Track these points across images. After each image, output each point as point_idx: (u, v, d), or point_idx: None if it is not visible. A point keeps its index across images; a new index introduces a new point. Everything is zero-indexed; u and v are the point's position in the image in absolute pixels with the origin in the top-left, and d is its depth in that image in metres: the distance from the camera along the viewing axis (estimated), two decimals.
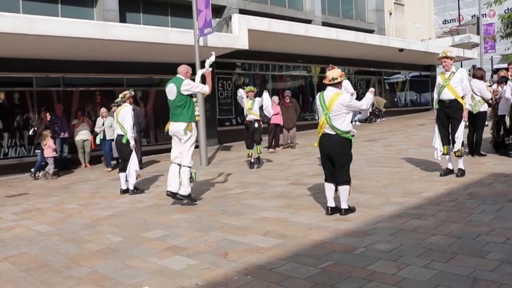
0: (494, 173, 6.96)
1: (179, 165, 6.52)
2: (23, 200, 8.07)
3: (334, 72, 5.33)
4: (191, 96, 6.43)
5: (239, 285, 3.50)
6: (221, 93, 16.66)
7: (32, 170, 10.97)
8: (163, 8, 16.02)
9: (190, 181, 6.54)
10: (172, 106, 6.50)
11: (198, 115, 6.52)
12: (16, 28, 9.57)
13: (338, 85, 5.31)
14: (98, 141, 11.92)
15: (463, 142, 6.93)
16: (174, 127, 6.47)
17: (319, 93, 5.44)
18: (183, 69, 6.58)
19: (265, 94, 10.42)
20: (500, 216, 4.72)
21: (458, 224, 4.58)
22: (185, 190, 6.49)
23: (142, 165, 11.02)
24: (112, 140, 10.69)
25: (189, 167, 6.50)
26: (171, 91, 6.46)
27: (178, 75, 6.56)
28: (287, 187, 7.28)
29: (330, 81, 5.25)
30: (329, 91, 5.27)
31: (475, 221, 4.64)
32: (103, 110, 11.88)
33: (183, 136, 6.41)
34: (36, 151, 11.24)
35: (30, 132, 11.80)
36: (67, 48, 11.43)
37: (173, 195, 6.53)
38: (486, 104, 8.71)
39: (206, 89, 6.50)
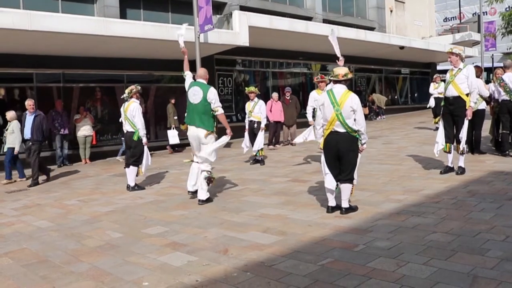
0: (494, 171, 6.96)
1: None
2: (23, 196, 8.07)
3: (343, 69, 5.24)
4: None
5: (239, 281, 3.51)
6: (221, 90, 16.64)
7: (118, 155, 12.50)
8: (163, 5, 16.01)
9: (211, 182, 6.38)
10: (193, 110, 6.26)
11: (216, 125, 6.37)
12: (16, 24, 9.55)
13: (347, 81, 5.25)
14: (5, 149, 9.86)
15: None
16: (195, 132, 6.30)
17: (326, 90, 5.30)
18: (203, 73, 6.51)
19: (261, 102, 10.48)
20: (500, 214, 4.72)
21: (458, 221, 4.58)
22: (204, 195, 6.33)
23: (49, 177, 9.79)
24: (13, 148, 9.56)
25: (209, 172, 6.33)
26: (196, 94, 6.24)
27: (199, 79, 6.43)
28: (287, 184, 7.28)
29: (343, 77, 5.16)
30: (340, 88, 5.16)
31: (475, 219, 4.64)
32: (10, 114, 10.02)
33: (204, 141, 6.26)
34: (122, 138, 12.19)
35: (120, 120, 12.35)
36: (68, 44, 11.40)
37: (194, 194, 6.55)
38: (484, 102, 8.70)
39: (220, 111, 6.31)
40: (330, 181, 5.22)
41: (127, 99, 7.82)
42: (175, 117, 13.46)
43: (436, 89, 13.49)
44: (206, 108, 6.22)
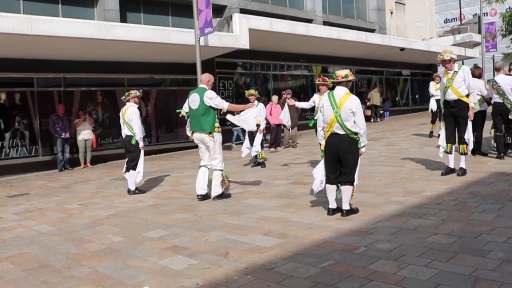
0: (495, 172, 6.94)
1: (208, 168, 6.73)
2: (24, 200, 8.07)
3: (343, 71, 5.24)
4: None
5: (239, 284, 3.50)
6: (222, 93, 16.66)
7: (233, 142, 14.69)
8: (163, 8, 16.03)
9: (222, 183, 6.69)
10: (194, 115, 6.59)
11: (218, 127, 6.57)
12: (16, 28, 9.58)
13: (348, 83, 5.25)
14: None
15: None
16: (199, 136, 6.62)
17: (327, 92, 5.33)
18: (205, 77, 6.77)
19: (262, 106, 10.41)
20: (501, 215, 4.71)
21: (459, 223, 4.57)
22: (216, 191, 6.63)
23: None
24: None
25: (221, 170, 6.62)
26: (194, 100, 6.57)
27: (200, 85, 6.73)
28: (288, 187, 7.28)
29: (343, 78, 5.17)
30: (340, 90, 5.18)
31: (476, 220, 4.63)
32: None
33: (209, 142, 6.56)
34: (234, 128, 14.31)
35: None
36: (68, 48, 11.43)
37: (203, 197, 6.71)
38: (485, 103, 8.67)
39: (225, 105, 6.55)
40: (317, 185, 5.44)
41: (125, 102, 7.88)
42: None
43: (438, 90, 11.71)
44: (205, 110, 6.48)
